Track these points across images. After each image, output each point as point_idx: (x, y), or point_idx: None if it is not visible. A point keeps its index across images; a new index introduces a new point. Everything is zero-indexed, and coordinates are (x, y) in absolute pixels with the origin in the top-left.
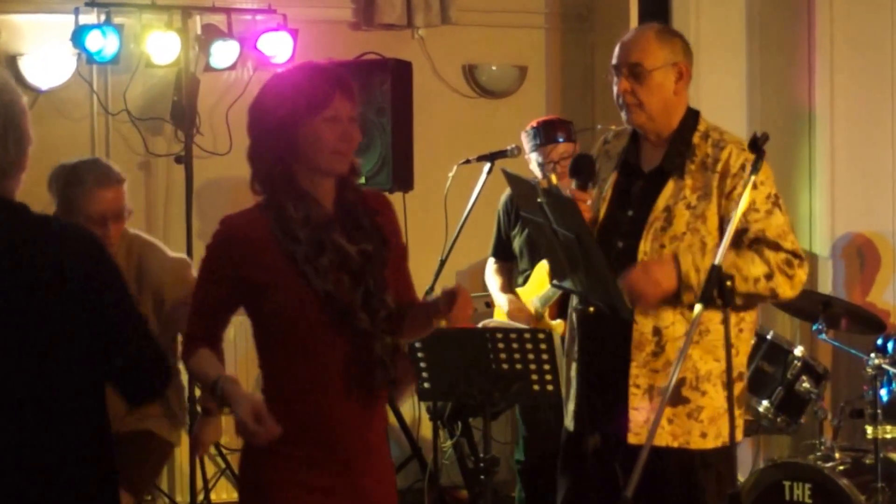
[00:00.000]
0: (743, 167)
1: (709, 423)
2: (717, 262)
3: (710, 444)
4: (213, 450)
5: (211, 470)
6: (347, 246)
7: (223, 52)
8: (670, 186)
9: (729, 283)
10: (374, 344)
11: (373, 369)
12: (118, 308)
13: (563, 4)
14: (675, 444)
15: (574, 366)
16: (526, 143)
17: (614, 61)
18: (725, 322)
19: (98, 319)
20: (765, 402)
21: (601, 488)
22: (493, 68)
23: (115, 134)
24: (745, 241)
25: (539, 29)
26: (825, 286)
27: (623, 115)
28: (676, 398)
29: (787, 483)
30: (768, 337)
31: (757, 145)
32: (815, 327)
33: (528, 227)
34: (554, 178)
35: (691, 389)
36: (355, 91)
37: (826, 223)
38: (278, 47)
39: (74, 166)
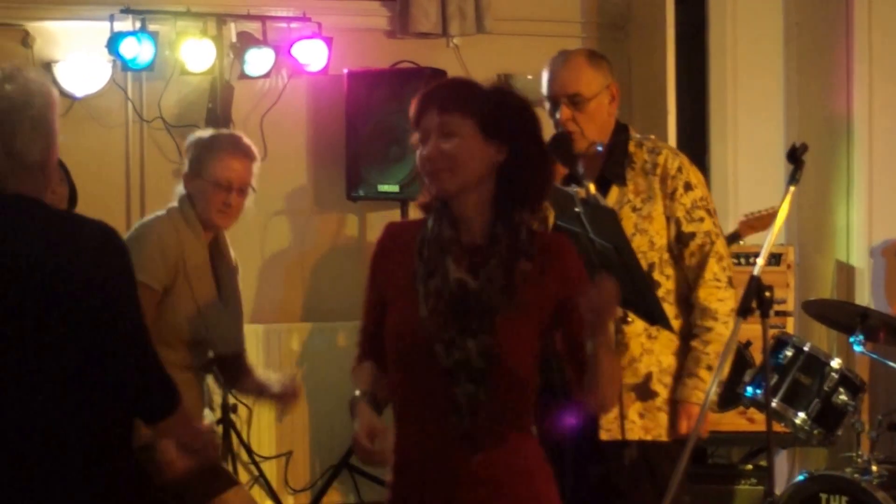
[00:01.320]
0: (679, 169)
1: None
2: (755, 272)
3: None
4: (245, 457)
5: (244, 478)
6: (465, 277)
7: (258, 60)
8: (615, 192)
9: (768, 293)
10: (453, 389)
11: (447, 413)
12: (119, 317)
13: (599, 14)
14: (649, 438)
15: None
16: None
17: (549, 91)
18: (764, 332)
19: (94, 326)
20: (801, 415)
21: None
22: (529, 77)
23: (149, 141)
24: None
25: (575, 38)
26: (862, 297)
27: None
28: (646, 392)
29: (823, 496)
30: (805, 349)
31: (796, 156)
32: (852, 339)
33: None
34: (592, 188)
35: (658, 383)
36: None
37: (864, 233)
38: (313, 55)
39: (214, 134)
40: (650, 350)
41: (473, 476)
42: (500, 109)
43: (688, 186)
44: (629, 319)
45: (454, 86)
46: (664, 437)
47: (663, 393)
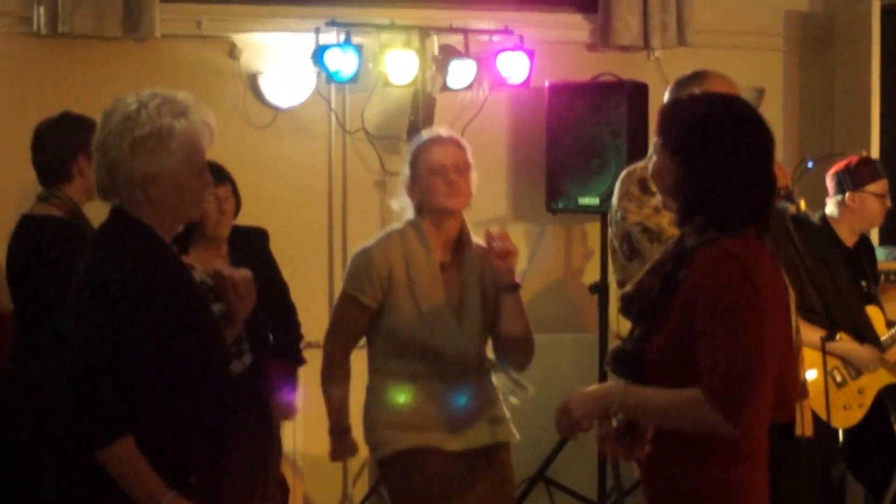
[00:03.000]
0: None
1: None
2: None
3: None
4: None
5: None
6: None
7: (460, 72)
8: None
9: None
10: None
11: None
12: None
13: (801, 27)
14: None
15: None
16: (841, 182)
17: None
18: None
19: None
20: None
21: None
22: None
23: (351, 152)
24: None
25: (777, 51)
26: None
27: None
28: None
29: None
30: None
31: None
32: None
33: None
34: (802, 204)
35: None
36: None
37: None
38: (515, 68)
39: (416, 138)
40: None
41: None
42: (675, 123)
43: None
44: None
45: (666, 104)
46: None
47: None
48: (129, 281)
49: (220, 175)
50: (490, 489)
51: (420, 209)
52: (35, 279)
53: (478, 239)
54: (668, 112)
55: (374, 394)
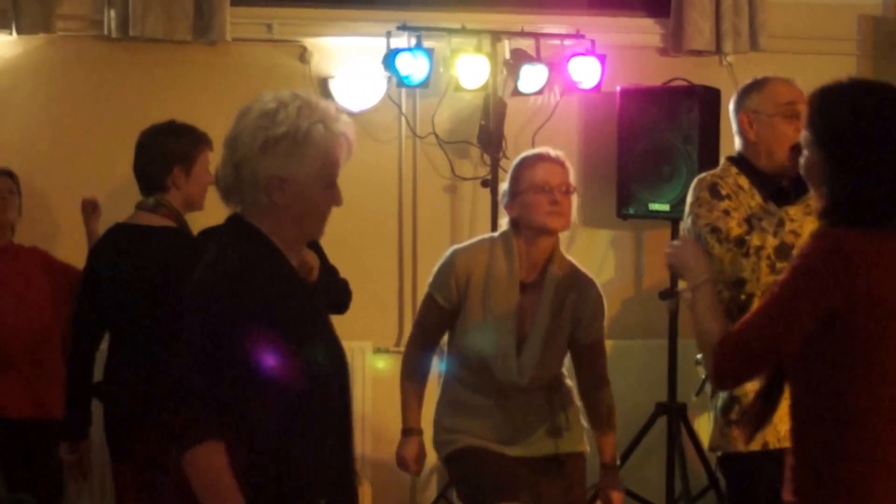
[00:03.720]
0: None
1: None
2: None
3: None
4: None
5: None
6: None
7: (531, 77)
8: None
9: None
10: None
11: None
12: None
13: (875, 32)
14: None
15: None
16: None
17: (797, 109)
18: None
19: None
20: None
21: None
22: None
23: (422, 156)
24: None
25: (850, 56)
26: None
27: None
28: None
29: None
30: None
31: None
32: None
33: None
34: None
35: None
36: None
37: None
38: (586, 72)
39: (521, 155)
40: None
41: None
42: (820, 115)
43: None
44: None
45: (811, 96)
46: None
47: None
48: (241, 286)
49: None
50: (554, 497)
51: (516, 224)
52: (163, 293)
53: (571, 259)
54: (815, 104)
55: (443, 395)
